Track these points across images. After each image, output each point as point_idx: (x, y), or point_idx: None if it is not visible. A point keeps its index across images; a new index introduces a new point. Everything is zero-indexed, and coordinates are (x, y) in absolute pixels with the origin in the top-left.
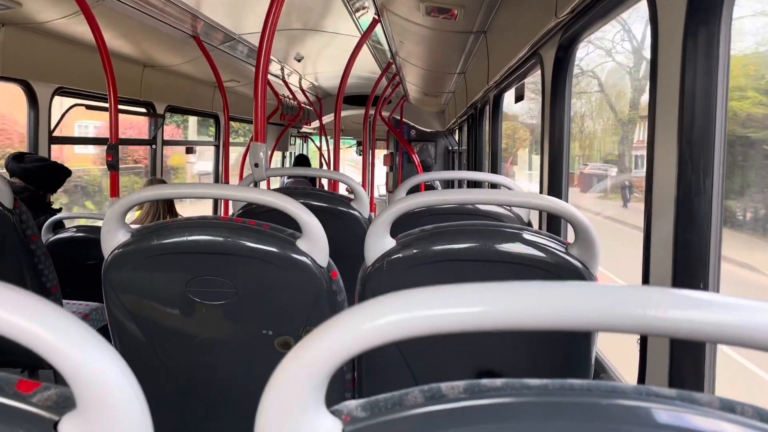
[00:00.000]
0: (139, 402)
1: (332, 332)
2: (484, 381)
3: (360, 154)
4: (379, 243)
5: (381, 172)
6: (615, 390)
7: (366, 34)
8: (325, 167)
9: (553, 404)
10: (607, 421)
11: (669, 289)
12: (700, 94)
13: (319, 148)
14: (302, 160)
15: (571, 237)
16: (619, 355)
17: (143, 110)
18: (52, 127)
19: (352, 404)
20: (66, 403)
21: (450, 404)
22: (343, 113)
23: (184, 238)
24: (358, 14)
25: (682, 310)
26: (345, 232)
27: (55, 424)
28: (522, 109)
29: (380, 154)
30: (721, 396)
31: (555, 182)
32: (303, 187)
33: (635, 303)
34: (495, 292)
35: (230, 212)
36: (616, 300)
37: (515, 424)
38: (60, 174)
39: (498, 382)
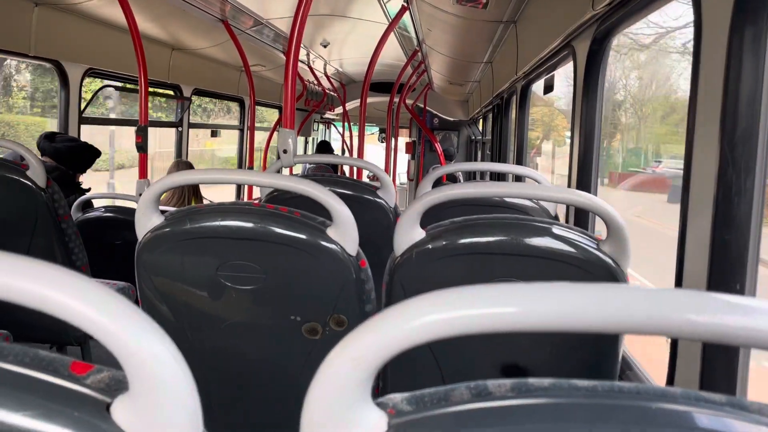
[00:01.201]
0: (189, 386)
1: (383, 326)
2: (532, 380)
3: (383, 142)
4: (408, 234)
5: (402, 160)
6: (665, 394)
7: (394, 22)
8: (347, 154)
9: (601, 406)
10: (656, 426)
11: (710, 293)
12: (745, 93)
13: (342, 135)
14: (325, 147)
15: (598, 233)
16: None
17: (170, 92)
18: (83, 107)
19: (397, 397)
20: (118, 386)
21: (497, 402)
22: (370, 100)
23: (217, 223)
24: (386, 0)
25: (722, 314)
26: (371, 220)
27: (108, 407)
28: (561, 91)
29: (402, 141)
30: None
31: (585, 177)
32: (329, 175)
33: (676, 307)
34: (545, 293)
35: (254, 196)
36: (656, 303)
37: (563, 425)
38: (90, 154)
39: (546, 381)
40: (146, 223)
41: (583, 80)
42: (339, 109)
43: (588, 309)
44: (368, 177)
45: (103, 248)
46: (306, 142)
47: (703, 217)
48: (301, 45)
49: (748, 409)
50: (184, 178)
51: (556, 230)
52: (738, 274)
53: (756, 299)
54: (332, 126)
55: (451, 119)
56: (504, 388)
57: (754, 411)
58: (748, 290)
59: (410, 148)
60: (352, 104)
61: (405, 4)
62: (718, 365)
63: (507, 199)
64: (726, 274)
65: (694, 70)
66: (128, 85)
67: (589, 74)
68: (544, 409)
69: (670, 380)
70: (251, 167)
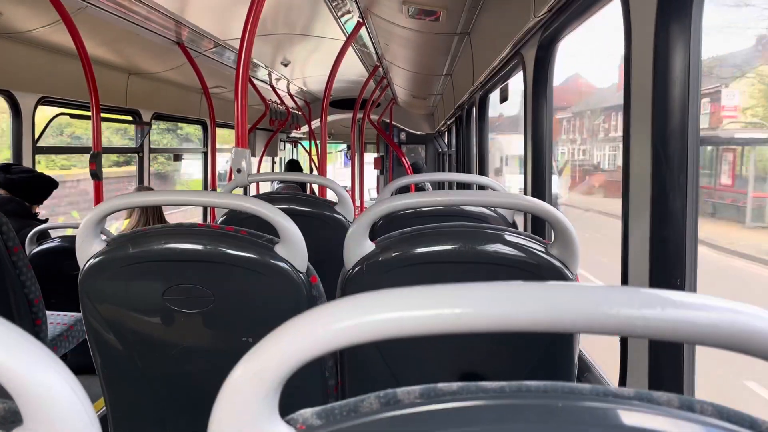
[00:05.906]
0: (87, 415)
1: (281, 339)
2: (441, 385)
3: (349, 158)
4: (358, 246)
5: (372, 175)
6: (572, 391)
7: (350, 38)
8: (315, 171)
9: (508, 407)
10: (563, 423)
11: (642, 289)
12: (673, 91)
13: (309, 153)
14: (293, 165)
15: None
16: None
17: (129, 118)
18: (36, 137)
19: (307, 412)
20: (14, 418)
21: (405, 410)
22: (332, 117)
23: (161, 246)
24: (343, 18)
25: (654, 309)
26: (329, 236)
27: None
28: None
29: (371, 157)
30: (680, 395)
31: (538, 182)
32: (287, 193)
33: (605, 303)
34: (449, 294)
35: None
36: (588, 300)
37: (470, 428)
38: (46, 185)
39: (454, 385)
40: (88, 249)
41: (532, 87)
42: (305, 128)
43: (510, 308)
44: None
45: (60, 279)
46: (273, 162)
47: (642, 215)
48: (262, 65)
49: (657, 401)
50: (127, 201)
51: (505, 236)
52: (677, 269)
53: (687, 294)
54: (299, 145)
55: (418, 133)
56: (413, 395)
57: (662, 403)
58: (687, 285)
59: (378, 163)
60: (317, 122)
61: (360, 20)
62: (665, 363)
63: (466, 209)
64: (666, 269)
65: (627, 69)
66: (84, 112)
67: (537, 80)
68: (450, 414)
69: (623, 380)
70: (214, 189)
